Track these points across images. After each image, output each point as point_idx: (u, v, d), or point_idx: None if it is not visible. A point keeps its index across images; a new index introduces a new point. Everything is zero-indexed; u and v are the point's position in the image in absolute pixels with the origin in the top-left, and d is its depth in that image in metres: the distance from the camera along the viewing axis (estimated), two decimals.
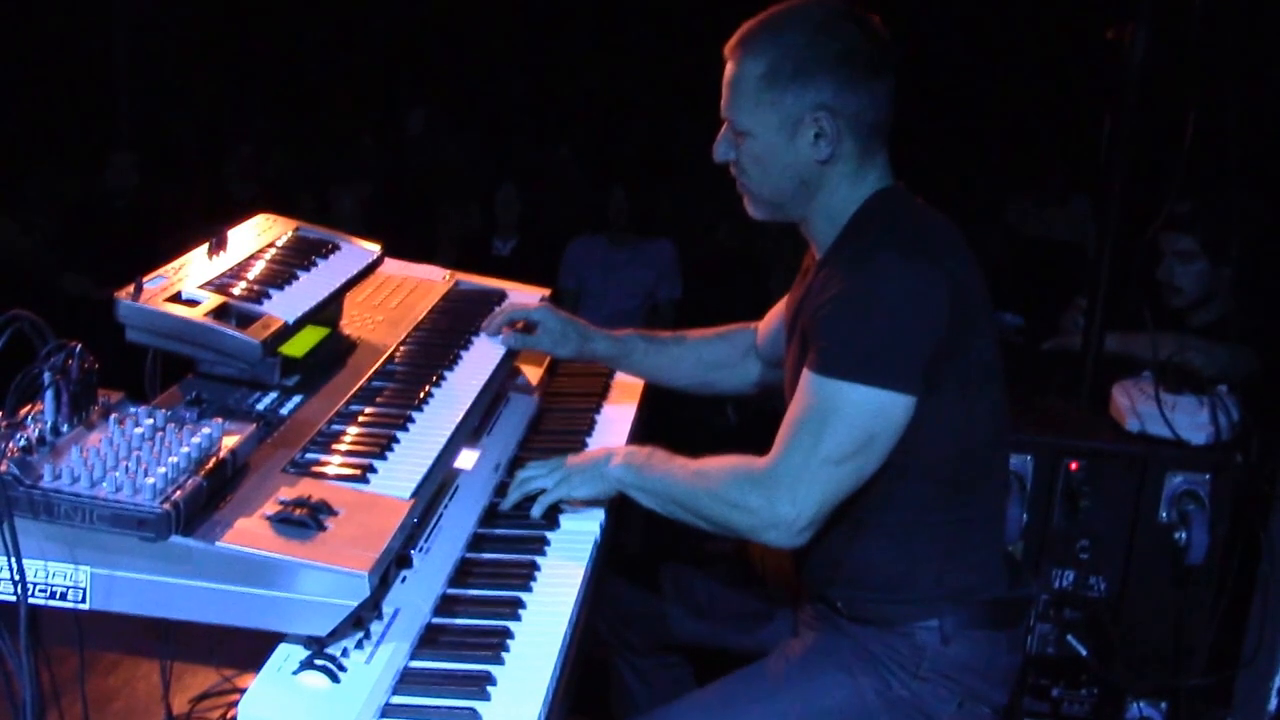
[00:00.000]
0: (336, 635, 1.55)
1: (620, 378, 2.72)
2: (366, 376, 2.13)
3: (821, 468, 1.85)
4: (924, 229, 1.97)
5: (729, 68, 2.00)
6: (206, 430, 1.65)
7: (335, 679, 1.49)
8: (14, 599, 1.48)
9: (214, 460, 1.61)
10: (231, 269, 2.10)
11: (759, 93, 1.96)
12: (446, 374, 2.21)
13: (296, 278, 2.15)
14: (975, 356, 1.94)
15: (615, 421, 2.52)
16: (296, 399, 2.00)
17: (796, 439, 1.87)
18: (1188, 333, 3.34)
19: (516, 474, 2.13)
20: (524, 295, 2.68)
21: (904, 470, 1.93)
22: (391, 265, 2.62)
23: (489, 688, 1.59)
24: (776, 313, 2.40)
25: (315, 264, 2.24)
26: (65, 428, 1.62)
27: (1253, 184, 3.12)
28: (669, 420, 2.82)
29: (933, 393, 1.88)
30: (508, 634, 1.72)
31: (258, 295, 2.03)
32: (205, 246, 2.13)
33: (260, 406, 1.96)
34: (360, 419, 1.98)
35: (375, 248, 2.44)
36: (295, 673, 1.49)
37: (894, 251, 1.89)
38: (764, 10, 2.01)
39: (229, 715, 1.96)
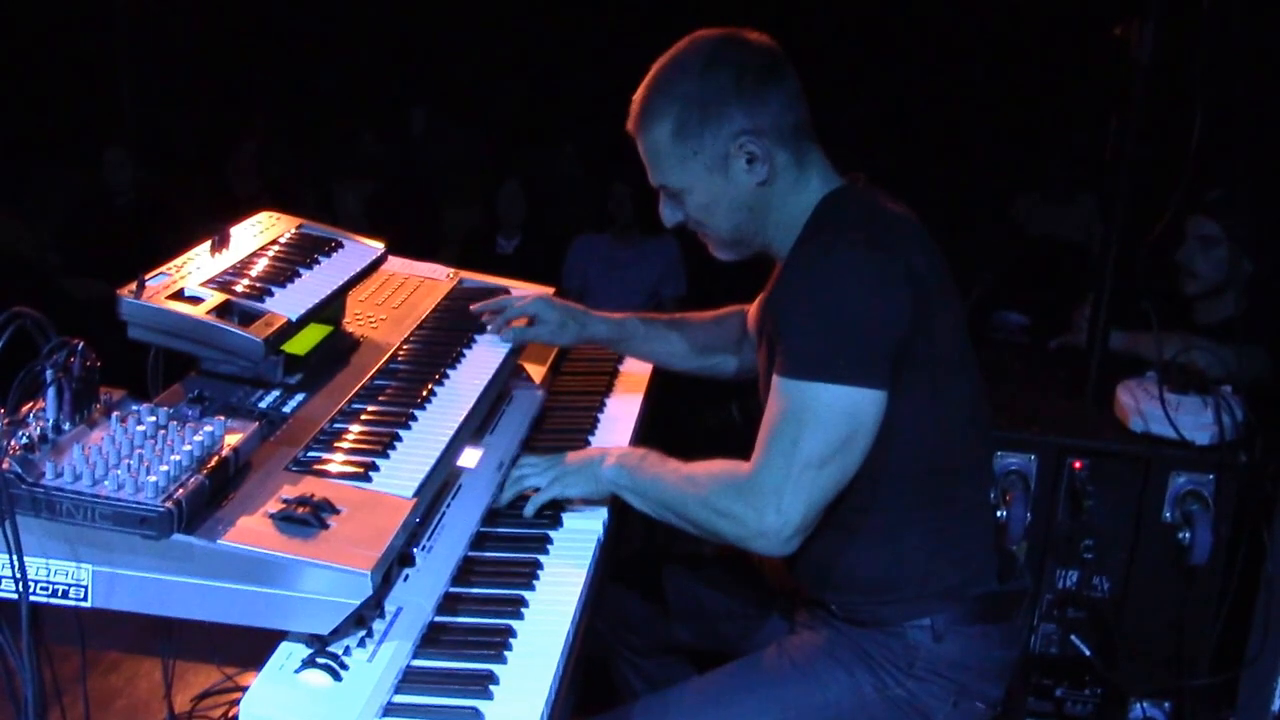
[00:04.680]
0: (339, 634, 1.54)
1: (624, 375, 2.72)
2: (369, 375, 2.13)
3: (803, 474, 1.84)
4: (877, 222, 1.96)
5: (640, 143, 2.02)
6: (209, 428, 1.65)
7: (337, 677, 1.49)
8: (16, 597, 1.48)
9: (216, 458, 1.60)
10: (234, 266, 2.09)
11: (678, 149, 1.97)
12: (449, 372, 2.21)
13: (299, 275, 2.15)
14: (942, 346, 1.94)
15: (619, 419, 2.51)
16: (299, 397, 2.00)
17: (775, 446, 1.86)
18: (1195, 332, 3.34)
19: (512, 471, 2.12)
20: (527, 293, 2.67)
21: (884, 469, 1.92)
22: (394, 263, 2.61)
23: (491, 687, 1.58)
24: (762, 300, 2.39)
25: (318, 262, 2.24)
26: (67, 425, 1.61)
27: (1260, 179, 3.11)
28: (673, 417, 2.81)
29: (903, 385, 1.88)
30: (510, 633, 1.72)
31: (260, 293, 2.03)
32: (208, 244, 2.13)
33: (263, 404, 1.96)
34: (363, 417, 1.97)
35: (378, 245, 2.44)
36: (297, 671, 1.49)
37: (846, 247, 1.88)
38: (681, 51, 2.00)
39: (231, 714, 1.97)
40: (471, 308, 2.44)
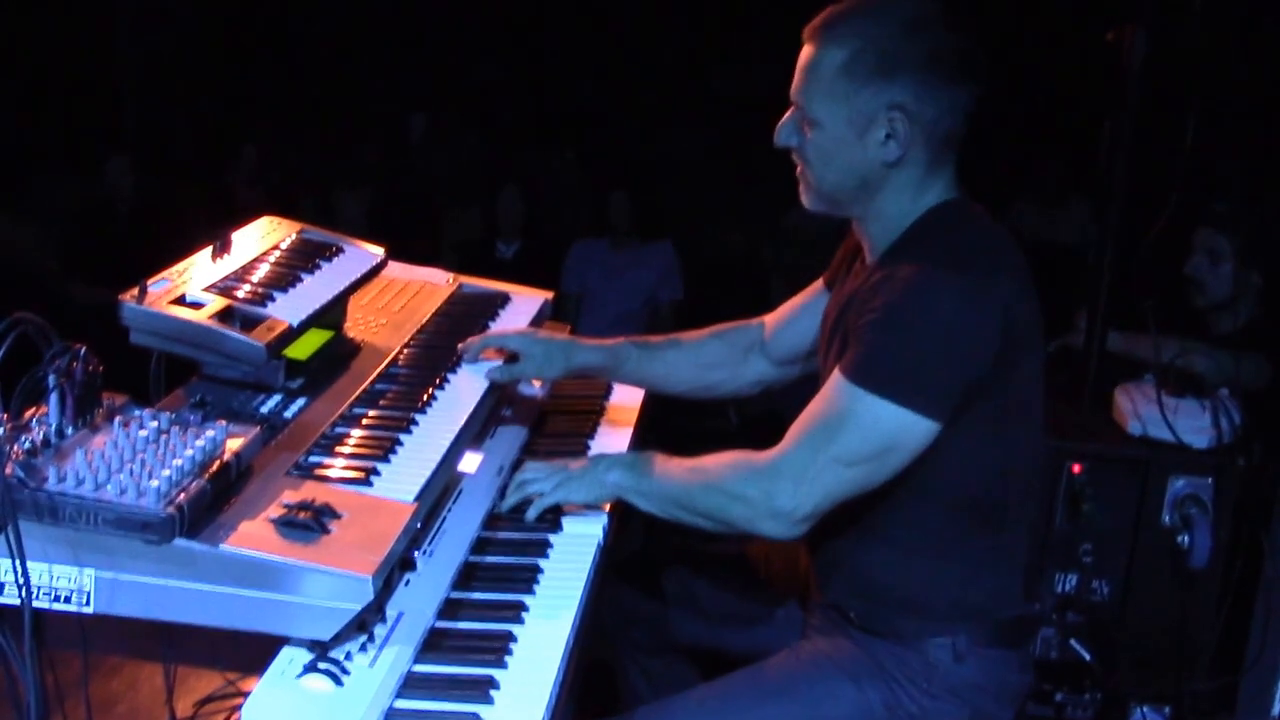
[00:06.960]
0: (340, 639, 1.55)
1: None
2: (370, 379, 2.13)
3: (828, 466, 1.82)
4: (983, 249, 1.89)
5: (806, 50, 1.90)
6: (211, 433, 1.65)
7: (339, 682, 1.49)
8: (18, 602, 1.48)
9: (218, 463, 1.61)
10: (235, 272, 2.10)
11: (835, 82, 1.86)
12: (450, 377, 2.21)
13: (300, 280, 2.16)
14: (1016, 389, 1.88)
15: (619, 424, 2.51)
16: (300, 402, 2.01)
17: (809, 435, 1.84)
18: (1205, 339, 3.34)
19: (515, 475, 2.12)
20: (527, 298, 2.68)
21: (927, 491, 1.89)
22: (395, 268, 2.62)
23: (492, 691, 1.59)
24: (790, 309, 2.34)
25: (319, 267, 2.25)
26: (70, 430, 1.62)
27: (1261, 188, 3.12)
28: (672, 422, 2.81)
29: (969, 420, 1.83)
30: (511, 637, 1.72)
31: (262, 298, 2.03)
32: (209, 249, 2.13)
33: (264, 409, 1.96)
34: (364, 422, 1.98)
35: (379, 251, 2.44)
36: (299, 676, 1.49)
37: (952, 272, 1.81)
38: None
39: (232, 719, 1.97)
40: (459, 351, 2.31)
